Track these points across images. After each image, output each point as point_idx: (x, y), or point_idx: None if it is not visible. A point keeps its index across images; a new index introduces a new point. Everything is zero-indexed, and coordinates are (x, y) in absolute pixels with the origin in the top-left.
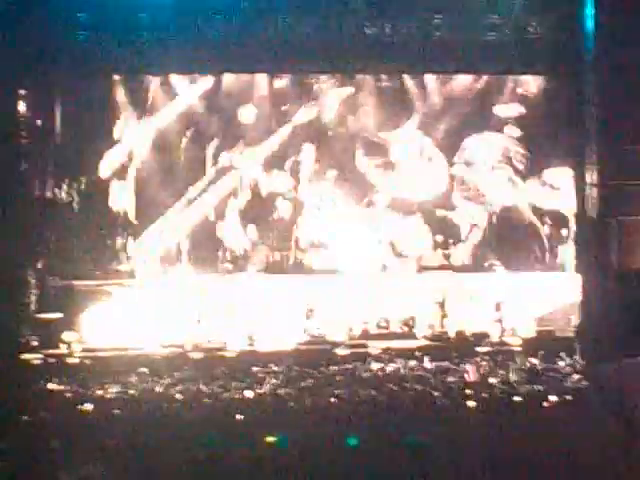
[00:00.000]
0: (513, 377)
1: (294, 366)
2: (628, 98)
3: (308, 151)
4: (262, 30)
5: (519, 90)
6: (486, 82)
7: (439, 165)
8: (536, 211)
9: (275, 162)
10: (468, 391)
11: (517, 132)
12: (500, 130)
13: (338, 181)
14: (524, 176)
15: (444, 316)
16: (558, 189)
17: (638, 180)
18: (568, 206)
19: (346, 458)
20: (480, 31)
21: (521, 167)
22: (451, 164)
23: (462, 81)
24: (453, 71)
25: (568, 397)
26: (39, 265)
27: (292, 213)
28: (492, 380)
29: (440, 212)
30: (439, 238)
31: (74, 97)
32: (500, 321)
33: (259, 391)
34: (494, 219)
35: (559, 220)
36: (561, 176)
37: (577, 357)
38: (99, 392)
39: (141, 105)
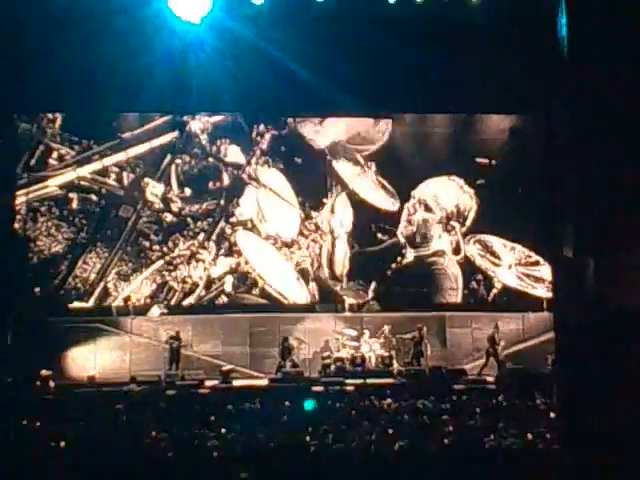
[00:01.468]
0: (488, 415)
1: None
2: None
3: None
4: None
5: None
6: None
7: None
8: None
9: None
10: (444, 428)
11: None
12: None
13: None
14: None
15: (420, 354)
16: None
17: (614, 218)
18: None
19: None
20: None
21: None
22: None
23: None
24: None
25: (547, 435)
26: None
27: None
28: (468, 418)
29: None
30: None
31: None
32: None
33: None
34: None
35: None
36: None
37: (553, 395)
38: (73, 428)
39: None
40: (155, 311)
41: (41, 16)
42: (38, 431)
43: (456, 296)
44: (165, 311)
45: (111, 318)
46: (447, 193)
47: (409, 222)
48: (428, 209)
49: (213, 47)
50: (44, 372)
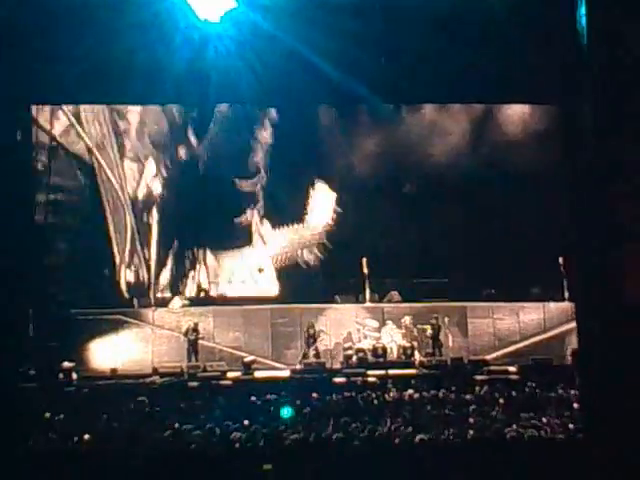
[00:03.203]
0: (510, 405)
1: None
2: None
3: None
4: None
5: None
6: None
7: None
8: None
9: None
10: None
11: None
12: None
13: None
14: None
15: (440, 344)
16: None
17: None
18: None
19: None
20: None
21: None
22: None
23: None
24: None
25: (570, 426)
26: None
27: None
28: (490, 409)
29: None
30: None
31: None
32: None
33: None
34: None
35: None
36: None
37: (575, 386)
38: (97, 421)
39: None
40: (176, 302)
41: (57, 8)
42: (61, 424)
43: None
44: (186, 302)
45: (132, 310)
46: None
47: None
48: None
49: (232, 38)
50: (66, 364)
